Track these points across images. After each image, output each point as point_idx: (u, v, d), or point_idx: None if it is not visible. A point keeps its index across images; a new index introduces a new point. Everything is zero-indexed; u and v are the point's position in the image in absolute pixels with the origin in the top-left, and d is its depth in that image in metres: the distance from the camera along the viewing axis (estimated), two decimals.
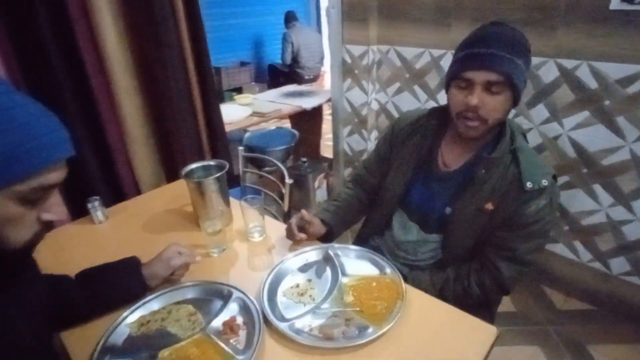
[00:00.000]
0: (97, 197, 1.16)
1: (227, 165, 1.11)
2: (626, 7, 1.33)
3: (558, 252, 1.82)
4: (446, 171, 1.00)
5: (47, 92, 1.10)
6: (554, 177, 0.89)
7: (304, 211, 1.05)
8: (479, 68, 0.83)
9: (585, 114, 1.55)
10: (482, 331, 0.77)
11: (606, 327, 1.69)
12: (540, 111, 1.66)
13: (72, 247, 1.08)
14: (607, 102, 1.49)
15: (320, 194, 2.81)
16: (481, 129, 0.88)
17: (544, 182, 0.86)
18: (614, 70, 1.43)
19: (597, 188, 1.62)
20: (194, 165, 1.12)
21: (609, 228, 1.64)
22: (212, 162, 1.14)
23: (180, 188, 1.37)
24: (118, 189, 1.34)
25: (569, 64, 1.53)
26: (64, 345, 0.76)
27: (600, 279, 1.73)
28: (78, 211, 1.18)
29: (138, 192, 1.40)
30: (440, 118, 1.03)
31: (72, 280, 0.83)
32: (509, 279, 0.93)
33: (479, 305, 1.03)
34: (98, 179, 1.26)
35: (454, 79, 0.89)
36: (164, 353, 0.72)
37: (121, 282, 0.84)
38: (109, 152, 1.28)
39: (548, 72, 1.59)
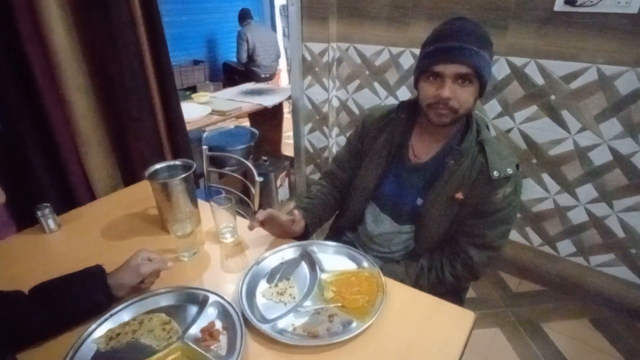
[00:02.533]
0: (48, 204, 1.06)
1: (194, 165, 1.06)
2: (569, 9, 1.44)
3: (512, 238, 1.94)
4: (417, 162, 1.03)
5: None
6: (517, 166, 0.95)
7: (296, 212, 1.03)
8: (449, 61, 0.85)
9: (533, 108, 1.67)
10: (461, 317, 0.80)
11: (556, 305, 1.83)
12: (494, 106, 1.76)
13: (22, 260, 0.97)
14: (552, 97, 1.61)
15: (282, 193, 2.78)
16: (451, 117, 0.91)
17: (509, 171, 0.91)
18: (558, 68, 1.55)
19: (545, 177, 1.74)
20: (158, 166, 1.05)
21: (556, 214, 1.77)
22: (177, 162, 1.08)
23: (141, 191, 1.28)
24: (70, 194, 1.23)
25: (518, 61, 1.63)
26: None
27: (550, 261, 1.87)
28: (26, 220, 1.07)
29: (92, 197, 1.29)
30: (409, 111, 1.05)
31: (25, 296, 0.75)
32: (480, 264, 0.98)
33: (451, 292, 1.07)
34: (47, 184, 1.15)
35: (424, 72, 0.91)
36: None
37: (84, 295, 0.77)
38: (58, 156, 1.17)
39: (500, 69, 1.68)
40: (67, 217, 1.14)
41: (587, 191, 1.66)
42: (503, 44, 1.63)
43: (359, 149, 1.14)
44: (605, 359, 1.57)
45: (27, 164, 1.10)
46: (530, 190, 1.79)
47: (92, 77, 1.20)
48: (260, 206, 1.40)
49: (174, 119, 1.40)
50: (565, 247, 1.80)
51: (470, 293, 1.91)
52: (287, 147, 3.28)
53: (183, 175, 1.01)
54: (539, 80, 1.61)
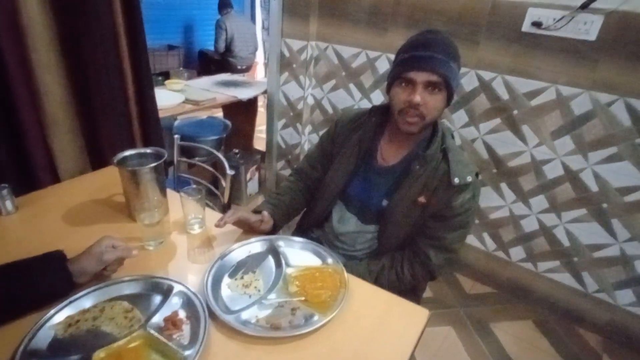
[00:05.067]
0: (6, 185, 1.02)
1: (165, 154, 1.05)
2: (535, 30, 1.54)
3: (469, 242, 2.05)
4: (384, 166, 1.07)
5: None
6: (477, 174, 1.01)
7: (265, 213, 1.07)
8: (421, 69, 0.90)
9: (497, 121, 1.77)
10: (415, 314, 0.85)
11: (505, 307, 1.95)
12: (461, 116, 1.84)
13: None
14: (515, 112, 1.71)
15: (252, 186, 2.78)
16: (419, 125, 0.96)
17: (469, 179, 0.97)
18: (522, 85, 1.65)
19: (503, 186, 1.85)
20: (128, 152, 1.04)
21: (510, 221, 1.89)
22: (148, 150, 1.07)
23: (106, 176, 1.25)
24: (31, 176, 1.18)
25: (486, 75, 1.72)
26: None
27: (502, 265, 1.99)
28: None
29: (56, 180, 1.25)
30: (381, 116, 1.09)
31: None
32: (437, 265, 1.03)
33: (409, 291, 1.13)
34: (7, 164, 1.10)
35: (397, 78, 0.95)
36: (99, 354, 0.67)
37: (43, 280, 0.75)
38: (22, 135, 1.12)
39: (469, 81, 1.77)
40: (26, 199, 1.10)
41: (539, 202, 1.78)
42: (474, 57, 1.71)
43: (330, 149, 1.18)
44: (545, 358, 1.70)
45: None
46: (488, 198, 1.90)
47: (63, 55, 1.15)
48: (230, 199, 1.40)
49: (147, 105, 1.37)
50: (517, 253, 1.92)
51: (427, 292, 1.99)
52: (259, 141, 3.27)
53: (154, 164, 1.00)
54: (504, 95, 1.71)
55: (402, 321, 0.83)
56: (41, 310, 0.73)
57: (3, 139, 1.08)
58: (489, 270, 2.04)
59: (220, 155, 1.37)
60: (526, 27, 1.56)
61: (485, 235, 1.99)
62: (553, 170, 1.70)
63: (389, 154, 1.08)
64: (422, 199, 1.01)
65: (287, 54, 2.30)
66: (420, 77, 0.91)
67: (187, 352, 0.68)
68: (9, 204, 1.03)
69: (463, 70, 1.75)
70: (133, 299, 0.80)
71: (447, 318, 1.85)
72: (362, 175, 1.11)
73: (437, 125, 1.03)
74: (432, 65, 0.89)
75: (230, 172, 1.29)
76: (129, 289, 0.82)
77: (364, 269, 1.07)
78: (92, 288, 0.79)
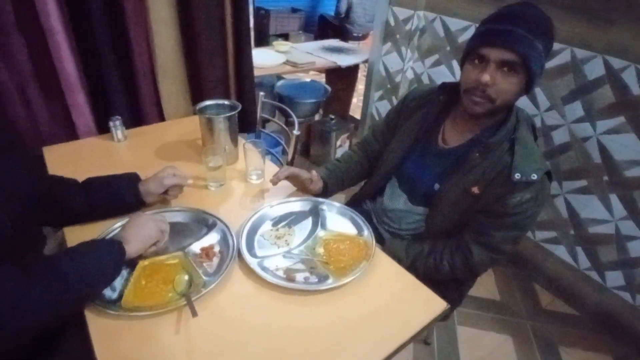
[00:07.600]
0: (119, 117, 1.26)
1: (239, 107, 1.16)
2: None
3: (558, 253, 1.80)
4: (443, 148, 1.01)
5: (76, 18, 1.17)
6: (548, 174, 0.88)
7: (314, 172, 1.11)
8: (496, 45, 0.81)
9: (620, 119, 1.46)
10: (431, 303, 0.82)
11: (584, 334, 1.70)
12: (576, 108, 1.57)
13: (91, 159, 1.19)
14: None
15: (340, 153, 2.84)
16: (486, 107, 0.87)
17: (534, 177, 0.85)
18: None
19: (613, 198, 1.55)
20: (208, 102, 1.17)
21: (614, 240, 1.59)
22: (226, 102, 1.19)
23: (196, 122, 1.44)
24: (142, 113, 1.43)
25: (617, 63, 1.42)
26: (65, 238, 0.88)
27: (593, 288, 1.71)
28: (102, 128, 1.30)
29: (162, 119, 1.49)
30: (449, 94, 1.02)
31: (78, 184, 0.92)
32: (479, 262, 0.96)
33: (449, 282, 1.08)
34: (122, 102, 1.35)
35: (469, 54, 0.87)
36: (144, 262, 0.82)
37: (119, 194, 0.93)
38: (136, 78, 1.34)
39: (593, 68, 1.48)
40: (134, 131, 1.35)
41: None
42: (603, 40, 1.41)
43: (395, 122, 1.15)
44: None
45: (108, 84, 1.29)
46: (591, 209, 1.62)
47: (177, 10, 1.33)
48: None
49: (243, 61, 1.49)
50: (615, 278, 1.63)
51: (495, 295, 1.84)
52: (357, 109, 3.28)
53: (226, 114, 1.12)
54: (635, 89, 1.39)
55: (415, 305, 0.81)
56: (114, 218, 0.92)
57: (121, 80, 1.32)
58: (576, 290, 1.78)
59: (293, 114, 1.45)
60: None
61: (579, 250, 1.72)
62: None
63: (451, 136, 1.01)
64: (475, 190, 0.93)
65: (392, 22, 2.22)
66: (494, 54, 0.81)
67: (207, 279, 0.79)
68: (119, 133, 1.27)
69: (587, 54, 1.47)
70: (182, 226, 0.95)
71: (509, 326, 1.70)
72: (418, 153, 1.06)
73: (511, 111, 0.92)
74: (510, 41, 0.79)
75: (296, 132, 1.35)
76: (181, 217, 0.97)
77: (403, 248, 1.05)
78: (154, 211, 0.95)
